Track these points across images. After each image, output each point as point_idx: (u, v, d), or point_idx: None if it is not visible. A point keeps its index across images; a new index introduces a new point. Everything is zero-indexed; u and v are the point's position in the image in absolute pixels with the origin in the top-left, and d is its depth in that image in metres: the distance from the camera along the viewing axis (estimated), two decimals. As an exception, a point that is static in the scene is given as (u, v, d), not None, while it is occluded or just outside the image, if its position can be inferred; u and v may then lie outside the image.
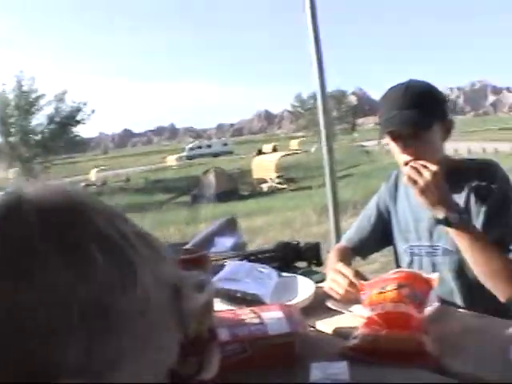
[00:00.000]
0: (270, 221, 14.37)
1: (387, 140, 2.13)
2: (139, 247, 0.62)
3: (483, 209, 2.05)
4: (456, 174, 2.14)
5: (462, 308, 2.02)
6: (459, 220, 1.91)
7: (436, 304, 1.72)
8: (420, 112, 2.02)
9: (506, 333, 1.52)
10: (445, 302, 2.05)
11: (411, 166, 1.94)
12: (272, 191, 27.26)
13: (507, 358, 1.31)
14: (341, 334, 1.59)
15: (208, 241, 2.43)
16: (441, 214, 1.91)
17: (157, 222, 16.26)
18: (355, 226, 2.52)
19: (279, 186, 27.77)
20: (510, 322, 1.62)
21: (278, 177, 28.79)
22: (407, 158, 2.04)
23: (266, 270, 2.04)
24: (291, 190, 25.64)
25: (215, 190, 25.83)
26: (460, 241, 1.96)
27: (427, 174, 1.87)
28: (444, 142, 2.15)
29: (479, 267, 1.96)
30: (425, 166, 1.90)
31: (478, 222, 2.06)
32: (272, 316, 1.52)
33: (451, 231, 1.95)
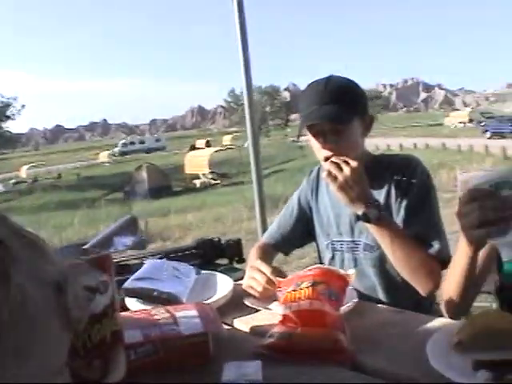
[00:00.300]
0: (202, 217, 14.34)
1: (308, 136, 2.12)
2: (15, 247, 0.61)
3: (404, 204, 2.07)
4: (377, 168, 2.15)
5: (385, 303, 2.03)
6: (378, 216, 1.91)
7: (355, 300, 1.72)
8: (340, 107, 2.01)
9: (424, 327, 1.54)
10: (367, 298, 2.06)
11: (331, 162, 1.93)
12: (205, 187, 27.26)
13: (423, 353, 1.31)
14: (258, 332, 1.57)
15: (107, 241, 2.37)
16: (360, 210, 1.91)
17: (89, 219, 16.01)
18: (277, 223, 2.50)
19: (212, 181, 27.79)
20: (430, 316, 1.64)
21: (211, 172, 28.78)
22: (327, 153, 2.03)
23: (184, 268, 2.00)
24: (224, 186, 25.66)
25: (148, 186, 25.67)
26: (380, 237, 1.97)
27: (347, 170, 1.87)
28: (364, 137, 2.16)
29: (400, 263, 1.97)
30: (345, 162, 1.89)
31: (399, 217, 2.08)
32: (186, 315, 1.49)
33: (371, 227, 1.95)
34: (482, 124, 48.59)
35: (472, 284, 1.61)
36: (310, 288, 1.45)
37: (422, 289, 1.95)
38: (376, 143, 36.29)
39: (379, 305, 1.86)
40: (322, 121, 2.03)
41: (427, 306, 2.08)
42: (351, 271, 1.61)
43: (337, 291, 1.48)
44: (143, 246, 2.50)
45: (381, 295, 2.16)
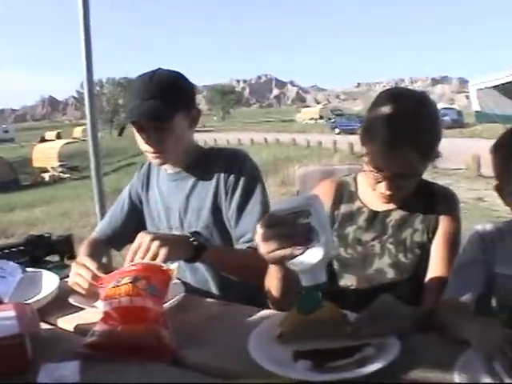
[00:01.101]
0: (49, 211, 13.85)
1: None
2: None
3: (234, 200, 2.12)
4: (206, 162, 2.19)
5: (218, 296, 2.06)
6: (208, 251, 1.92)
7: (181, 294, 1.72)
8: (162, 103, 2.01)
9: (250, 320, 1.58)
10: (200, 292, 2.08)
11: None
12: (54, 181, 26.35)
13: (246, 345, 1.34)
14: (82, 331, 1.52)
15: None
16: (189, 254, 1.88)
17: None
18: (108, 217, 2.48)
19: (62, 175, 26.88)
20: (256, 309, 1.68)
21: (61, 165, 27.83)
22: (150, 148, 2.06)
23: (10, 266, 1.91)
24: (74, 180, 24.90)
25: (-6, 179, 24.45)
26: (213, 261, 2.02)
27: (155, 245, 1.75)
28: (191, 131, 2.18)
29: (228, 270, 2.06)
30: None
31: (229, 213, 2.13)
32: (3, 317, 1.42)
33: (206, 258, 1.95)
34: (332, 121, 50.83)
35: (291, 283, 1.66)
36: (130, 284, 1.43)
37: (255, 283, 2.00)
38: (227, 138, 36.82)
39: (208, 299, 1.87)
40: (141, 118, 2.03)
41: (263, 298, 2.14)
42: (173, 265, 1.61)
43: (158, 286, 1.47)
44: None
45: (213, 289, 2.19)
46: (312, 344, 1.31)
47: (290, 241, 1.29)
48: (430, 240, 1.90)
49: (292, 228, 1.31)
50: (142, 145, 2.09)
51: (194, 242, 1.87)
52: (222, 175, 2.15)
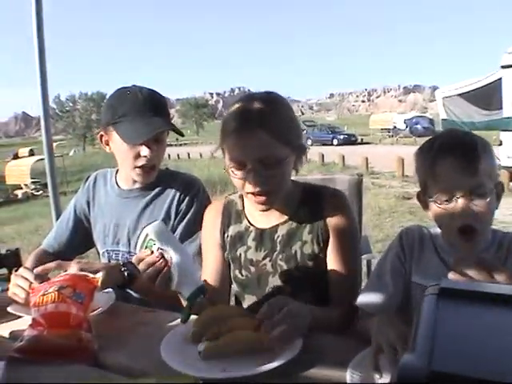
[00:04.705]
0: (20, 229, 13.77)
1: None
2: None
3: (180, 226, 2.26)
4: (160, 183, 2.35)
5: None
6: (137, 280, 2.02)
7: (111, 302, 1.85)
8: (165, 119, 2.30)
9: (171, 324, 1.69)
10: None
11: None
12: (27, 197, 26.07)
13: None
14: (16, 336, 1.61)
15: None
16: None
17: None
18: (54, 231, 2.56)
19: (35, 192, 26.61)
20: (178, 314, 1.75)
21: (34, 182, 27.53)
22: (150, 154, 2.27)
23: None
24: (47, 196, 24.67)
25: (-35, 198, 24.16)
26: (141, 290, 2.13)
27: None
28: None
29: (158, 298, 2.07)
30: None
31: (179, 230, 2.25)
32: None
33: None
34: (304, 132, 50.91)
35: None
36: (56, 292, 1.55)
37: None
38: (200, 151, 36.70)
39: (135, 306, 2.00)
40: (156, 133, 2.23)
41: None
42: (98, 275, 1.72)
43: (84, 294, 1.59)
44: None
45: None
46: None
47: (154, 271, 1.60)
48: (321, 249, 1.89)
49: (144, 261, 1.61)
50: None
51: (126, 271, 1.98)
52: (175, 200, 2.29)
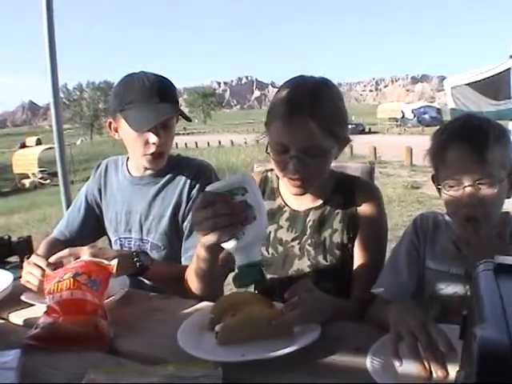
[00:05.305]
0: (28, 218, 13.82)
1: None
2: None
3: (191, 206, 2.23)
4: (171, 170, 2.33)
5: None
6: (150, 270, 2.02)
7: (125, 289, 1.84)
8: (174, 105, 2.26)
9: (187, 311, 1.68)
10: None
11: None
12: (35, 186, 26.18)
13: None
14: (30, 324, 1.61)
15: None
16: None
17: None
18: (65, 219, 2.54)
19: (42, 181, 26.70)
20: (193, 301, 1.77)
21: (41, 171, 27.62)
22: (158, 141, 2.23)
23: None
24: (54, 185, 24.75)
25: (-28, 187, 24.26)
26: (153, 278, 2.12)
27: None
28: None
29: (169, 286, 2.06)
30: None
31: (185, 224, 2.27)
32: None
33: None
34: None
35: (213, 278, 1.76)
36: (72, 279, 1.54)
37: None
38: (208, 140, 36.69)
39: (149, 293, 1.98)
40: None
41: None
42: (114, 261, 1.71)
43: (99, 280, 1.58)
44: None
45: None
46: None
47: (227, 219, 1.32)
48: (350, 239, 1.89)
49: (229, 205, 1.33)
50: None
51: (138, 262, 1.97)
52: (187, 186, 2.27)
